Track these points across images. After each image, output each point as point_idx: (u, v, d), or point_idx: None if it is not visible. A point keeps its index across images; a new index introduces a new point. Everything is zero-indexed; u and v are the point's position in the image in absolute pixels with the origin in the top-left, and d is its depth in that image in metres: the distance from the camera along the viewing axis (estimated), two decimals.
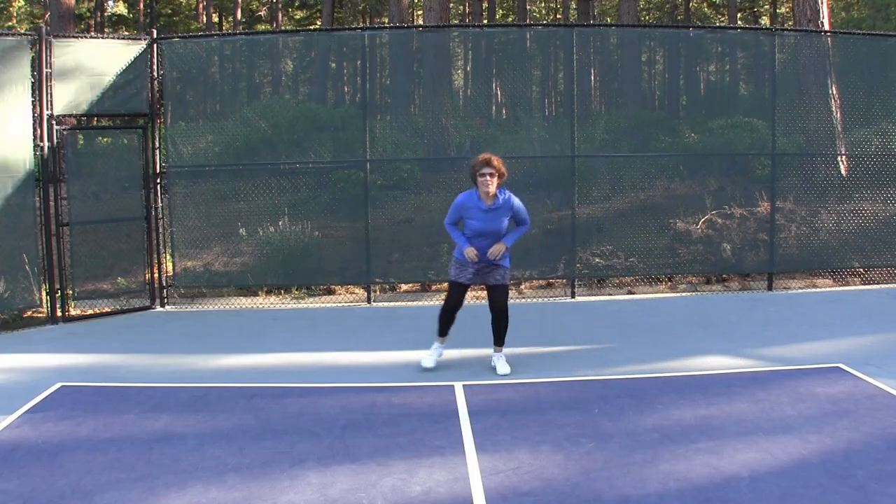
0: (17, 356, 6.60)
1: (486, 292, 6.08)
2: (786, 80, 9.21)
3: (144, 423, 4.96)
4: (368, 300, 8.53)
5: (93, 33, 25.68)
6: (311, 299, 8.73)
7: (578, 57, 8.75)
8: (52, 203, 7.63)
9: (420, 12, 26.13)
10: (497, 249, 5.79)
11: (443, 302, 6.13)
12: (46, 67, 7.56)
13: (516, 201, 5.90)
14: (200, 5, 31.95)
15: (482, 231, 5.79)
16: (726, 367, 6.01)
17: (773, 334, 6.87)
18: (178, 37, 9.43)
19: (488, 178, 5.70)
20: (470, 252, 5.76)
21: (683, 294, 8.68)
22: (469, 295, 8.73)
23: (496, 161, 5.75)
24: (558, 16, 34.33)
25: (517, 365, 6.19)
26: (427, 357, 6.15)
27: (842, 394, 5.28)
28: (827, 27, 10.91)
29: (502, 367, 6.03)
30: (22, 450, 4.54)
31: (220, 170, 9.12)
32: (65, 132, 7.78)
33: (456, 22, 29.76)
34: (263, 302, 8.61)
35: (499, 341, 6.11)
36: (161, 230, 8.38)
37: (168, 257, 8.52)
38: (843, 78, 9.39)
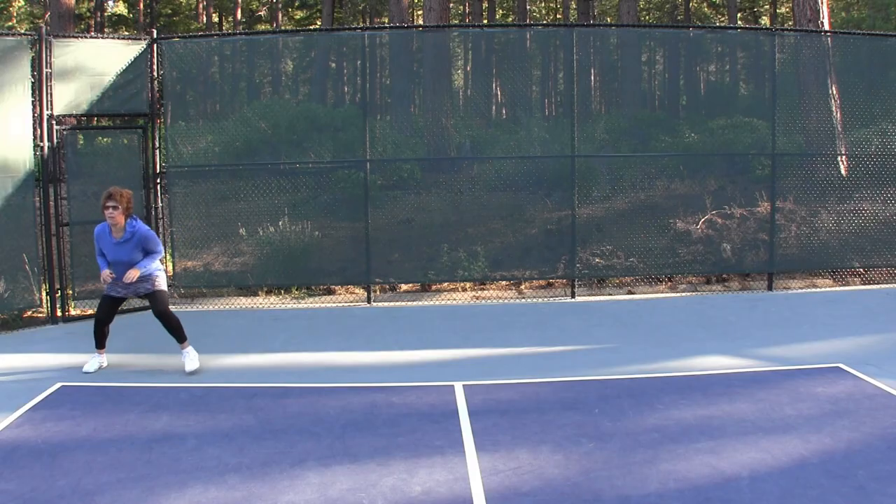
0: (17, 356, 6.60)
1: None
2: (786, 80, 9.21)
3: (144, 423, 4.96)
4: (368, 300, 8.53)
5: (93, 33, 25.68)
6: (311, 299, 8.73)
7: (578, 57, 8.75)
8: (52, 203, 7.63)
9: (420, 12, 26.11)
10: (131, 275, 5.95)
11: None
12: (46, 67, 7.56)
13: (146, 231, 6.08)
14: (200, 5, 31.96)
15: (112, 260, 6.01)
16: (726, 367, 6.01)
17: (773, 334, 6.87)
18: (178, 37, 9.43)
19: (111, 210, 5.87)
20: (105, 275, 5.97)
21: (683, 294, 8.67)
22: (469, 295, 8.76)
23: (120, 194, 5.91)
24: (558, 16, 34.33)
25: (517, 365, 6.19)
26: (89, 363, 6.23)
27: (842, 394, 5.28)
28: (827, 27, 10.91)
29: (189, 363, 6.18)
30: (22, 450, 4.54)
31: (220, 170, 9.13)
32: (65, 132, 7.78)
33: (456, 22, 29.78)
34: (263, 302, 8.61)
35: (177, 338, 6.24)
36: (161, 230, 8.38)
37: (168, 257, 8.52)
38: (843, 78, 9.39)
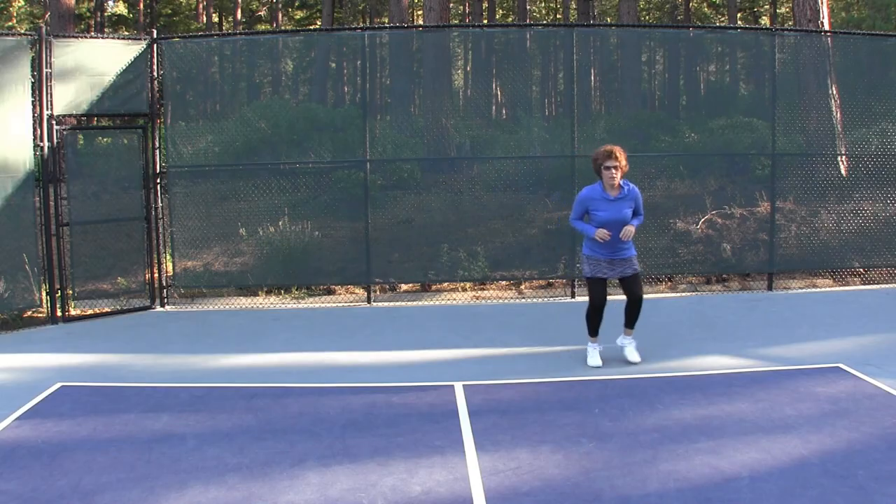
0: (17, 356, 6.60)
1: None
2: (786, 80, 9.20)
3: (144, 423, 4.96)
4: (368, 300, 8.53)
5: (93, 33, 25.68)
6: (311, 299, 8.73)
7: (578, 57, 8.75)
8: (52, 203, 7.63)
9: (420, 12, 26.12)
10: (628, 231, 5.88)
11: (588, 302, 6.15)
12: (46, 67, 7.56)
13: (638, 192, 6.07)
14: (200, 5, 31.96)
15: (608, 220, 5.89)
16: (726, 367, 6.01)
17: (773, 334, 6.86)
18: (178, 37, 9.42)
19: (613, 171, 5.83)
20: (601, 232, 5.85)
21: (683, 294, 8.67)
22: (469, 295, 8.75)
23: (620, 152, 5.88)
24: (558, 16, 34.33)
25: (517, 365, 6.19)
26: (591, 358, 6.17)
27: (842, 394, 5.28)
28: (827, 27, 10.90)
29: (633, 354, 6.16)
30: (22, 450, 4.54)
31: (220, 170, 9.12)
32: (65, 132, 7.78)
33: (456, 22, 29.78)
34: (263, 302, 8.61)
35: (631, 324, 6.19)
36: (161, 230, 8.38)
37: (168, 257, 8.52)
38: (843, 78, 9.38)
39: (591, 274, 6.04)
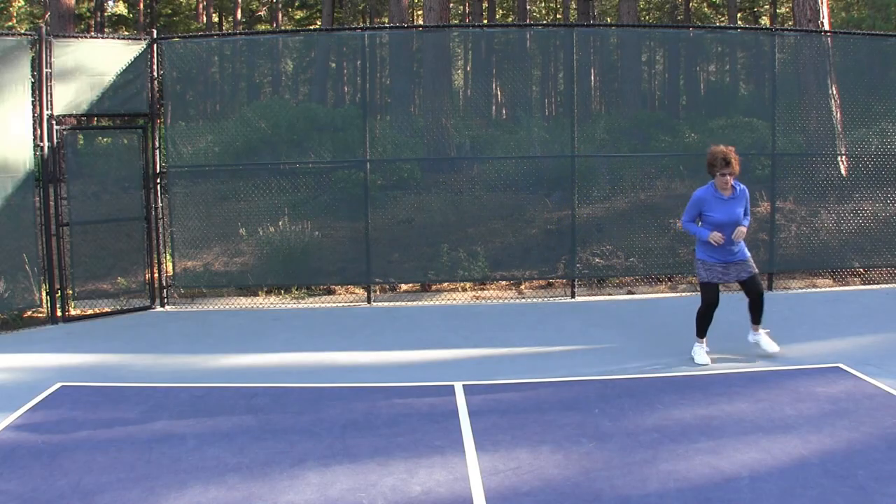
0: (17, 356, 6.60)
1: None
2: (786, 80, 9.20)
3: (144, 423, 4.96)
4: (368, 300, 8.53)
5: (93, 33, 25.68)
6: (311, 299, 8.73)
7: (578, 57, 8.74)
8: (52, 203, 7.63)
9: (420, 12, 26.12)
10: (740, 232, 5.98)
11: (700, 304, 6.24)
12: (46, 67, 7.55)
13: (747, 191, 6.18)
14: (200, 5, 31.95)
15: (722, 222, 5.97)
16: (726, 367, 6.01)
17: (773, 334, 6.84)
18: (178, 37, 9.43)
19: (728, 177, 5.95)
20: (716, 235, 5.92)
21: (683, 294, 8.67)
22: (469, 295, 8.76)
23: (735, 159, 5.97)
24: (558, 16, 34.33)
25: (517, 365, 6.19)
26: (699, 357, 6.20)
27: (842, 394, 5.28)
28: (827, 27, 10.90)
29: (771, 345, 6.21)
30: (22, 450, 4.54)
31: (220, 170, 9.12)
32: (65, 132, 7.78)
33: (456, 22, 29.78)
34: (263, 302, 8.61)
35: (757, 319, 6.26)
36: (161, 230, 8.38)
37: (168, 257, 8.52)
38: (843, 78, 9.38)
39: (707, 279, 6.13)
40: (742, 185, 6.13)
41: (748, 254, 6.16)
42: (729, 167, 5.91)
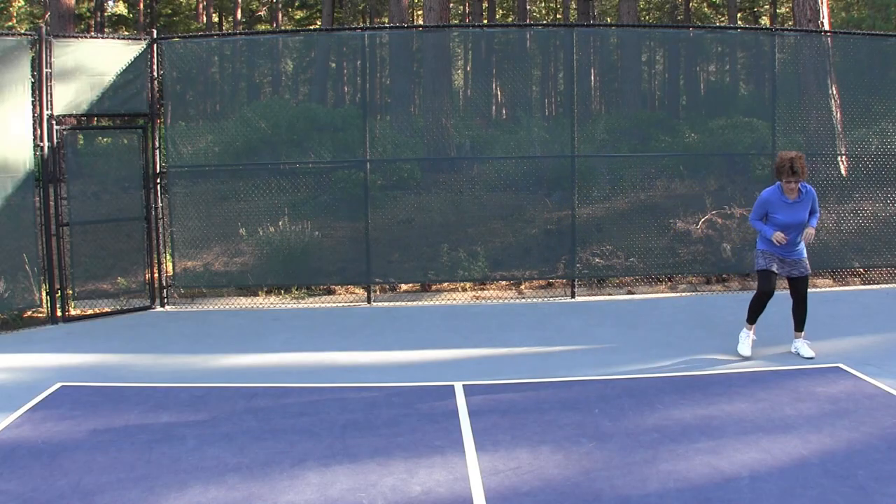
0: (17, 356, 6.60)
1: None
2: (786, 80, 9.20)
3: (144, 423, 4.96)
4: (368, 300, 8.53)
5: (93, 33, 25.68)
6: (311, 299, 8.73)
7: (578, 57, 8.75)
8: (52, 203, 7.63)
9: (420, 12, 26.13)
10: (809, 234, 6.09)
11: (755, 291, 6.30)
12: (46, 67, 7.56)
13: (814, 192, 6.21)
14: (200, 5, 31.95)
15: (786, 224, 6.06)
16: (726, 367, 6.01)
17: (774, 334, 6.86)
18: (178, 37, 9.42)
19: (793, 184, 5.98)
20: (778, 235, 6.00)
21: (683, 294, 8.67)
22: (469, 295, 8.75)
23: (803, 167, 5.95)
24: (558, 16, 34.33)
25: (517, 365, 6.19)
26: (742, 345, 6.29)
27: (842, 394, 5.28)
28: (827, 27, 10.90)
29: (807, 350, 6.23)
30: (22, 450, 4.54)
31: (220, 170, 9.12)
32: (65, 132, 7.78)
33: (456, 22, 29.78)
34: (263, 302, 8.61)
35: (800, 327, 6.33)
36: (161, 230, 8.38)
37: (168, 257, 8.52)
38: (843, 78, 9.38)
39: (764, 266, 6.17)
40: (809, 186, 6.18)
41: (805, 254, 6.24)
42: (795, 176, 5.94)
